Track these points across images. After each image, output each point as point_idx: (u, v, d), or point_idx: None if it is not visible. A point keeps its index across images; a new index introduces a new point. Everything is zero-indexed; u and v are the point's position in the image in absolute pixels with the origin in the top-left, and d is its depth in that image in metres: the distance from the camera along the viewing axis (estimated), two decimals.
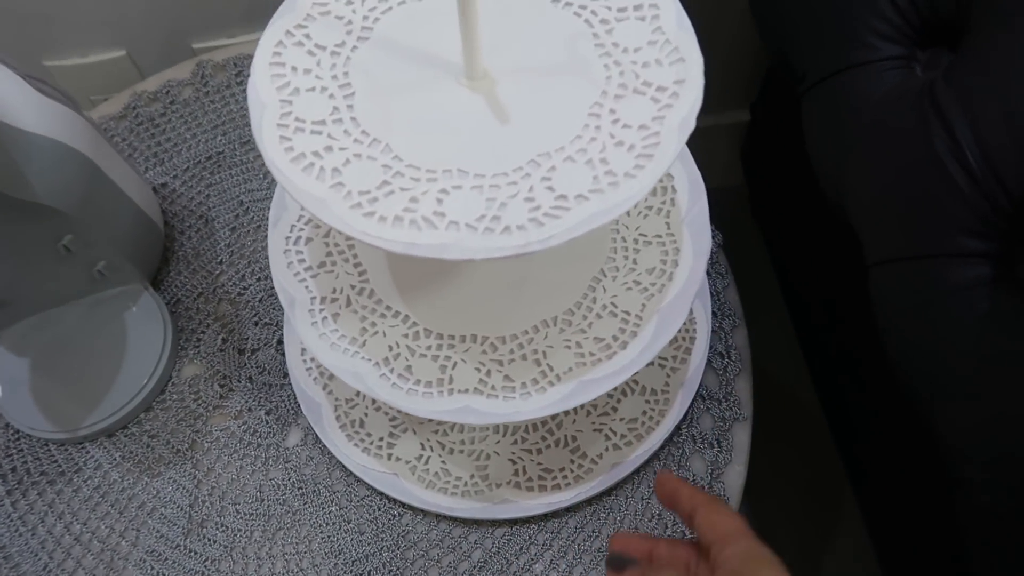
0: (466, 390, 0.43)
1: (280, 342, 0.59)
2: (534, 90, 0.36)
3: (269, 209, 0.64)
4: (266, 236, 0.62)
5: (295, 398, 0.56)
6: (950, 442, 0.42)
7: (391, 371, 0.43)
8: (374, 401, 0.54)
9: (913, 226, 0.41)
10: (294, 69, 0.37)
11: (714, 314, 0.57)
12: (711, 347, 0.55)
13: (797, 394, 0.91)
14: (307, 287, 0.45)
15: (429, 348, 0.44)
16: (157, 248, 0.61)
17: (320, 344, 0.43)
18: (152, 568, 0.51)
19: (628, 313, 0.44)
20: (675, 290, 0.44)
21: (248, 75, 0.69)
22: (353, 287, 0.46)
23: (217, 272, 0.62)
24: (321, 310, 0.45)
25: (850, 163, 0.45)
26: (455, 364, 0.43)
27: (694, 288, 0.44)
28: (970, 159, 0.38)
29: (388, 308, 0.45)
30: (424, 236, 0.32)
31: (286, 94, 0.36)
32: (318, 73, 0.37)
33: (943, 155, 0.37)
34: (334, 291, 0.45)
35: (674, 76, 0.35)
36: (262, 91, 0.36)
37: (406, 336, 0.44)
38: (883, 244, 0.45)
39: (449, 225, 0.33)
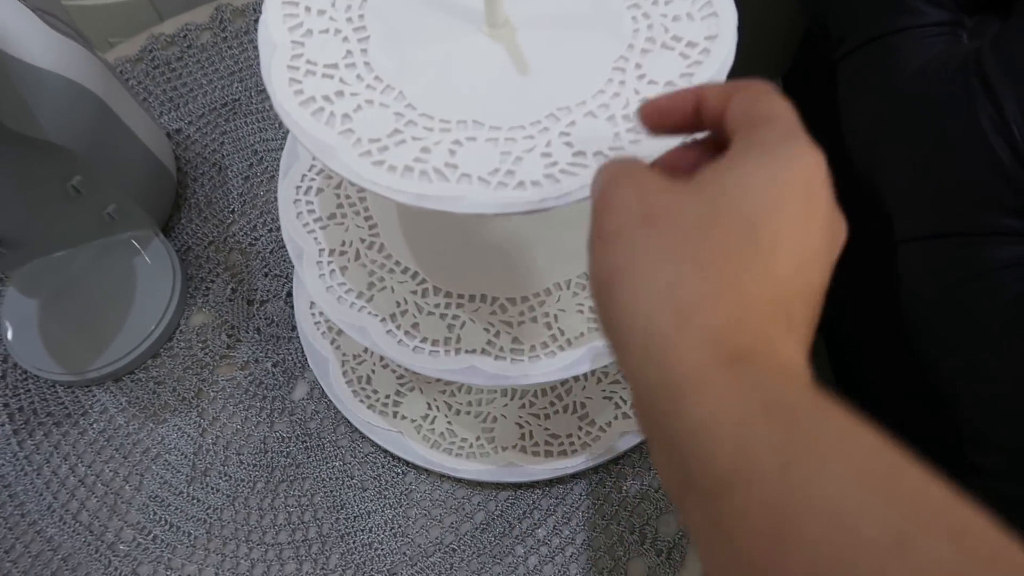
0: (473, 350, 0.42)
1: (289, 294, 0.58)
2: (556, 41, 0.35)
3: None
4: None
5: (302, 351, 0.55)
6: (974, 426, 0.40)
7: (398, 327, 0.42)
8: (382, 358, 0.53)
9: (949, 202, 0.39)
10: (308, 9, 0.35)
11: None
12: None
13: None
14: (316, 238, 0.44)
15: (437, 306, 0.43)
16: (169, 194, 0.60)
17: (327, 297, 0.43)
18: (155, 513, 0.52)
19: None
20: None
21: None
22: (363, 240, 0.44)
23: (228, 221, 0.61)
24: (329, 262, 0.44)
25: (885, 133, 0.43)
26: (463, 323, 0.42)
27: None
28: (1016, 134, 0.35)
29: (397, 263, 0.44)
30: (434, 188, 0.31)
31: (298, 35, 0.35)
32: (332, 15, 0.35)
33: (987, 129, 0.35)
34: (343, 244, 0.44)
35: (706, 31, 0.34)
36: (273, 30, 0.34)
37: (414, 292, 0.43)
38: (915, 220, 0.43)
39: (461, 178, 0.31)
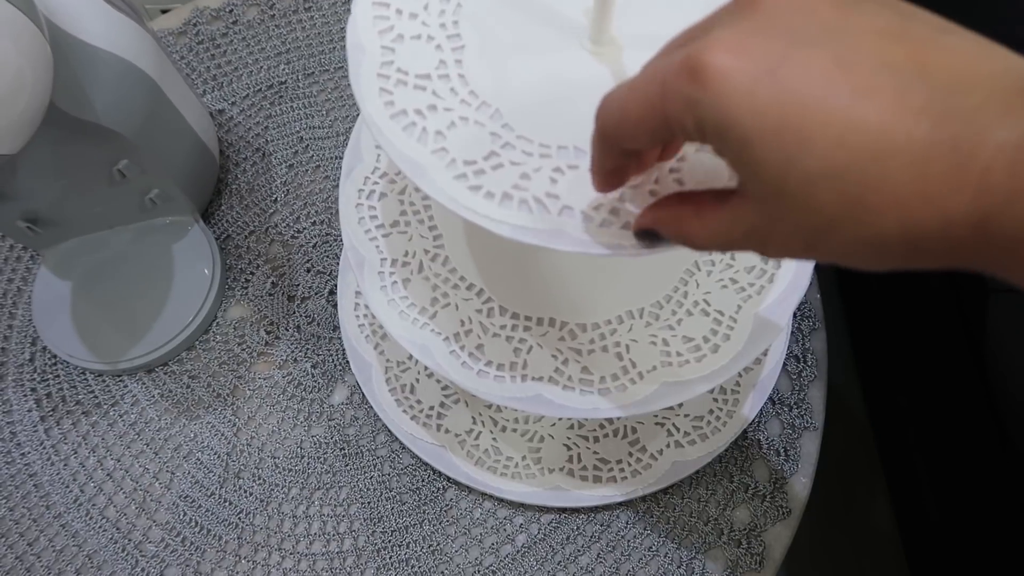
0: (540, 378, 0.40)
1: (332, 292, 0.56)
2: None
3: (329, 149, 0.60)
4: (324, 178, 0.59)
5: (343, 353, 0.53)
6: None
7: (462, 348, 0.40)
8: (426, 367, 0.51)
9: None
10: (399, 12, 0.33)
11: (793, 315, 0.54)
12: (787, 349, 0.52)
13: (848, 403, 0.88)
14: (378, 247, 0.42)
15: (503, 328, 0.41)
16: (211, 179, 0.58)
17: (388, 311, 0.40)
18: (185, 514, 0.50)
19: (721, 313, 0.41)
20: (775, 293, 0.41)
21: (317, 2, 0.65)
22: (426, 252, 0.42)
23: (271, 211, 0.58)
24: (391, 273, 0.41)
25: None
26: (530, 348, 0.40)
27: (797, 295, 0.40)
28: None
29: (462, 279, 0.42)
30: (535, 220, 0.29)
31: (388, 40, 0.32)
32: (425, 19, 0.33)
33: None
34: (406, 254, 0.42)
35: None
36: (363, 34, 0.32)
37: (479, 312, 0.41)
38: None
39: (563, 210, 0.29)
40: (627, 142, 0.24)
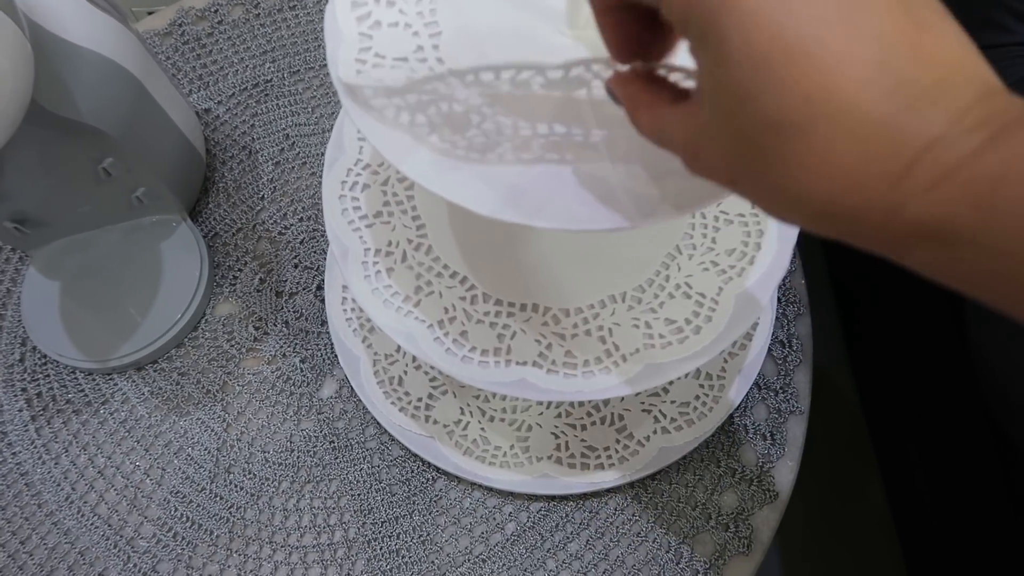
0: (524, 362, 0.40)
1: (320, 287, 0.56)
2: None
3: (315, 146, 0.61)
4: (311, 174, 0.60)
5: (332, 348, 0.54)
6: None
7: (446, 335, 0.40)
8: (415, 359, 0.52)
9: None
10: (377, 0, 0.33)
11: (778, 299, 0.54)
12: (772, 334, 0.52)
13: (839, 387, 0.89)
14: (361, 237, 0.42)
15: (487, 314, 0.41)
16: (198, 177, 0.58)
17: (372, 300, 0.41)
18: (176, 509, 0.50)
19: (703, 296, 0.41)
20: (756, 275, 0.41)
21: (302, 1, 0.66)
22: (410, 241, 0.43)
23: (258, 208, 0.59)
24: (375, 263, 0.42)
25: None
26: (514, 334, 0.41)
27: (778, 275, 0.41)
28: None
29: (446, 267, 0.42)
30: (516, 197, 0.29)
31: (366, 26, 0.33)
32: (402, 7, 0.33)
33: None
34: (390, 244, 0.42)
35: None
36: (342, 21, 0.32)
37: (463, 299, 0.42)
38: None
39: None
40: None
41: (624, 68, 0.27)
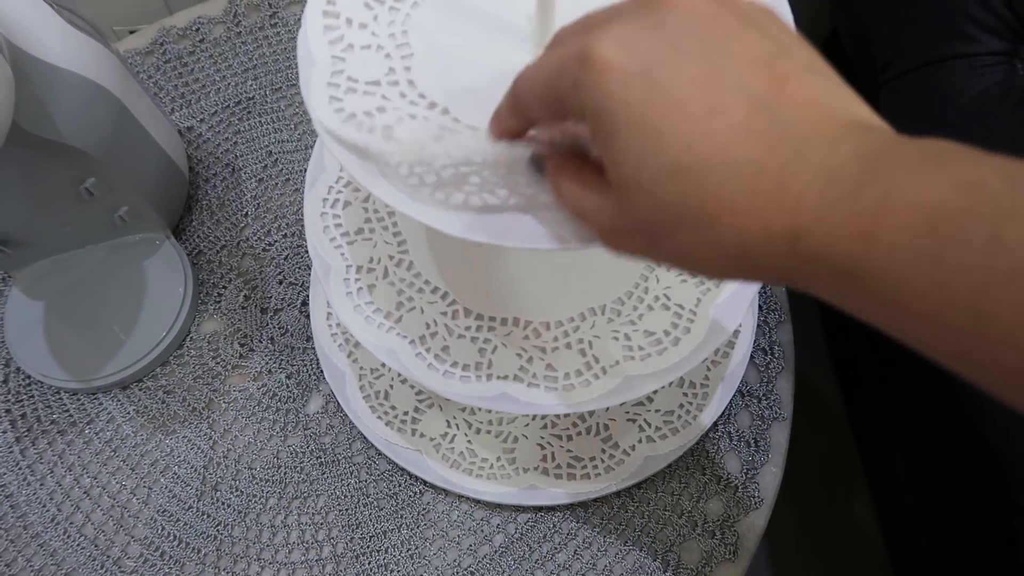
0: (506, 376, 0.40)
1: (305, 303, 0.56)
2: None
3: (298, 162, 0.61)
4: (294, 191, 0.60)
5: (318, 363, 0.54)
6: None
7: (427, 350, 0.41)
8: (400, 373, 0.52)
9: None
10: (349, 22, 0.34)
11: (759, 308, 0.55)
12: (754, 342, 0.53)
13: (822, 393, 0.89)
14: (343, 254, 0.43)
15: (468, 329, 0.41)
16: (181, 196, 0.58)
17: (354, 316, 0.41)
18: (163, 528, 0.50)
19: (681, 307, 0.41)
20: (734, 286, 0.41)
21: (283, 18, 0.66)
22: (391, 258, 0.43)
23: (242, 225, 0.59)
24: (357, 280, 0.42)
25: None
26: (495, 348, 0.41)
27: (754, 286, 0.41)
28: None
29: (427, 283, 0.42)
30: (484, 219, 0.29)
31: (339, 50, 0.33)
32: (374, 29, 0.34)
33: None
34: (371, 260, 0.43)
35: None
36: (314, 44, 0.33)
37: (444, 314, 0.42)
38: None
39: (513, 208, 0.30)
40: (530, 110, 0.26)
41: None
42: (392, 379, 0.52)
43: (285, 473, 0.51)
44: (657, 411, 0.50)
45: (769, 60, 0.22)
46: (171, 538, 0.50)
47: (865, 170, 0.19)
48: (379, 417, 0.51)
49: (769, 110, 0.21)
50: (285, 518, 0.50)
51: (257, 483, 0.51)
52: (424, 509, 0.50)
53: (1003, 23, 0.40)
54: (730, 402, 0.51)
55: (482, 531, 0.50)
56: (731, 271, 0.22)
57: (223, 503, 0.51)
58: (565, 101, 0.24)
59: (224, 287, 0.57)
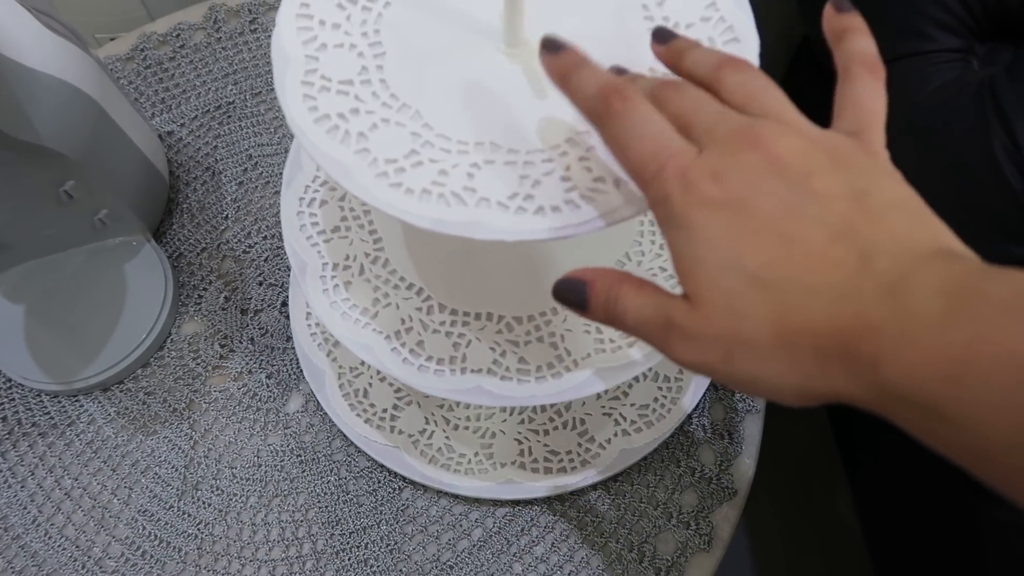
0: (479, 370, 0.41)
1: (284, 304, 0.57)
2: None
3: (277, 165, 0.62)
4: (274, 193, 0.61)
5: (297, 363, 0.54)
6: None
7: (402, 345, 0.41)
8: (379, 371, 0.53)
9: (959, 230, 0.39)
10: (322, 23, 0.34)
11: None
12: None
13: None
14: (319, 252, 0.43)
15: (443, 324, 0.42)
16: (161, 199, 0.59)
17: (330, 313, 0.42)
18: (144, 528, 0.50)
19: None
20: None
21: (263, 23, 0.67)
22: (367, 255, 0.44)
23: (222, 227, 0.60)
24: (333, 277, 0.43)
25: (893, 159, 0.43)
26: (469, 342, 0.42)
27: None
28: None
29: (402, 279, 0.43)
30: (453, 213, 0.30)
31: (312, 49, 0.34)
32: (347, 29, 0.34)
33: (1000, 158, 0.35)
34: (347, 258, 0.43)
35: None
36: (287, 44, 0.33)
37: (419, 310, 0.43)
38: None
39: (480, 202, 0.31)
40: (611, 142, 0.28)
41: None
42: (371, 377, 0.52)
43: (266, 472, 0.52)
44: (632, 405, 0.51)
45: (852, 194, 0.22)
46: (152, 538, 0.50)
47: (951, 307, 0.19)
48: (358, 415, 0.51)
49: (848, 239, 0.22)
50: (266, 516, 0.51)
51: (238, 482, 0.52)
52: (403, 505, 0.51)
53: (959, 21, 0.41)
54: (704, 395, 0.52)
55: (461, 525, 0.50)
56: (807, 393, 0.22)
57: (204, 502, 0.51)
58: (644, 187, 0.26)
59: (204, 289, 0.57)
